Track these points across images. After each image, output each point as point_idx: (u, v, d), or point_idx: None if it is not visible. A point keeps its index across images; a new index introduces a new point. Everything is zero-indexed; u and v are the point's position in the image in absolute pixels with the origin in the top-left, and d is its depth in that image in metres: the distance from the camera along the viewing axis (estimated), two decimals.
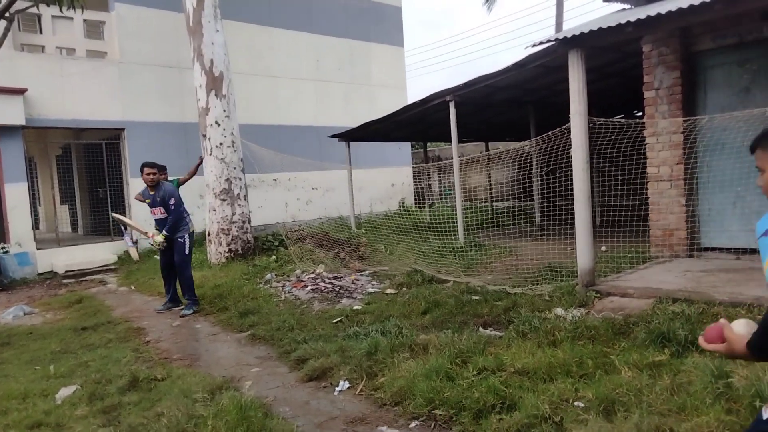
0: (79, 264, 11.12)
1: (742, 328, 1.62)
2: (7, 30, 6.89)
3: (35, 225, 12.13)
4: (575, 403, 3.31)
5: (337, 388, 4.05)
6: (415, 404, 3.53)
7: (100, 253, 11.70)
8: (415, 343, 4.55)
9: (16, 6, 6.65)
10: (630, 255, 7.49)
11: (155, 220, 7.14)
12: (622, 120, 6.57)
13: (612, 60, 9.19)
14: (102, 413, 3.91)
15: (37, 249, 11.12)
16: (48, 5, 8.05)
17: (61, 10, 7.14)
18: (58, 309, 8.09)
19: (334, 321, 5.87)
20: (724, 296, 4.86)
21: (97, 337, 6.15)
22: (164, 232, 6.94)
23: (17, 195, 10.88)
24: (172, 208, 6.95)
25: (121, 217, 8.35)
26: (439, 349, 4.33)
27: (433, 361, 4.00)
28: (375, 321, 5.58)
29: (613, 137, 7.62)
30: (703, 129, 6.69)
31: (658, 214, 7.10)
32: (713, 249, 6.83)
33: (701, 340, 1.71)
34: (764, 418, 1.55)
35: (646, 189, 7.29)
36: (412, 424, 3.40)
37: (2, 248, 10.71)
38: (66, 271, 10.85)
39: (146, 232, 7.46)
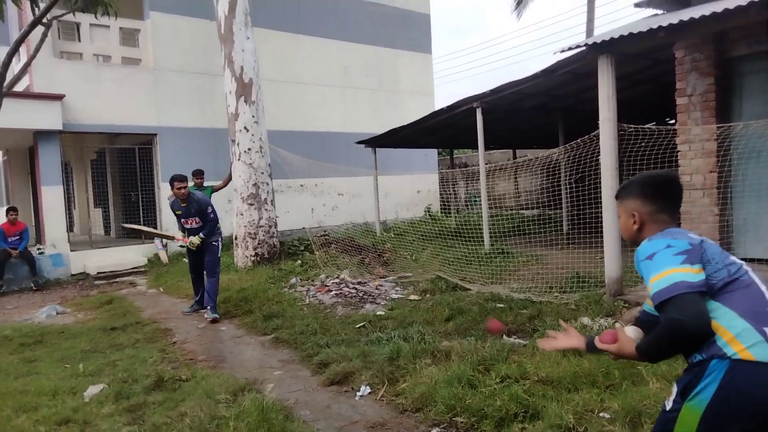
0: (111, 266, 11.37)
1: (632, 333, 1.96)
2: (44, 35, 7.10)
3: (69, 227, 12.47)
4: (600, 414, 3.24)
5: (358, 393, 4.05)
6: (437, 411, 3.50)
7: (130, 255, 11.95)
8: (438, 350, 4.52)
9: (53, 13, 6.84)
10: None
11: (187, 228, 7.19)
12: (653, 127, 6.44)
13: (643, 67, 9.03)
14: (127, 412, 3.97)
15: (71, 251, 11.41)
16: (83, 12, 8.27)
17: (96, 17, 7.33)
18: (89, 309, 8.27)
19: (357, 326, 5.86)
20: None
21: (126, 337, 6.27)
22: (201, 235, 7.03)
23: (53, 198, 11.19)
24: (211, 216, 7.04)
25: (133, 226, 8.41)
26: (462, 356, 4.29)
27: (456, 368, 3.96)
28: (398, 327, 5.56)
29: (643, 144, 7.49)
30: (737, 136, 6.52)
31: (691, 224, 6.91)
32: (748, 260, 6.61)
33: (597, 341, 1.98)
34: (667, 408, 1.77)
35: None
36: (433, 431, 3.37)
37: (38, 249, 11.02)
38: (98, 273, 11.11)
39: (172, 236, 7.55)
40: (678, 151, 7.04)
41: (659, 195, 1.96)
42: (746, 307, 1.68)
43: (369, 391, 4.06)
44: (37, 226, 12.32)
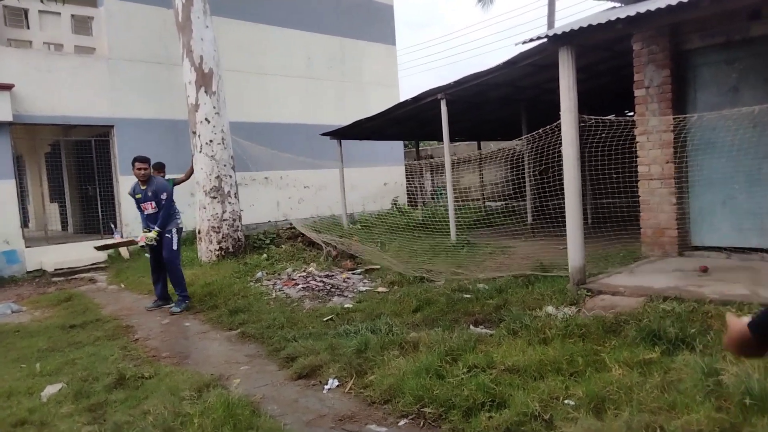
0: (69, 262, 11.01)
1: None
2: None
3: (25, 223, 12.01)
4: (565, 401, 3.29)
5: (326, 386, 4.02)
6: (405, 402, 3.50)
7: (89, 251, 11.50)
8: (406, 341, 4.52)
9: None
10: (621, 254, 7.52)
11: (145, 215, 7.06)
12: (613, 118, 6.57)
13: (603, 58, 9.20)
14: (88, 411, 3.86)
15: (26, 247, 11.00)
16: None
17: (42, 1, 6.99)
18: (47, 307, 8.00)
19: (325, 319, 5.83)
20: (715, 294, 4.87)
21: (86, 335, 6.09)
22: (156, 228, 6.88)
23: (5, 192, 10.75)
24: (164, 202, 6.92)
25: (104, 242, 8.26)
26: (430, 346, 4.30)
27: (423, 359, 3.98)
28: (366, 319, 5.55)
29: (604, 135, 7.63)
30: (693, 128, 6.71)
31: (649, 213, 7.11)
32: (704, 248, 6.86)
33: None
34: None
35: (637, 188, 7.31)
36: (401, 422, 3.38)
37: None
38: (55, 270, 10.74)
39: (133, 239, 7.45)
40: (637, 142, 7.22)
41: None
42: None
43: (337, 384, 4.03)
44: None
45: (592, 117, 6.19)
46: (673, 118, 6.71)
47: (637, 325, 4.31)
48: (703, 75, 6.81)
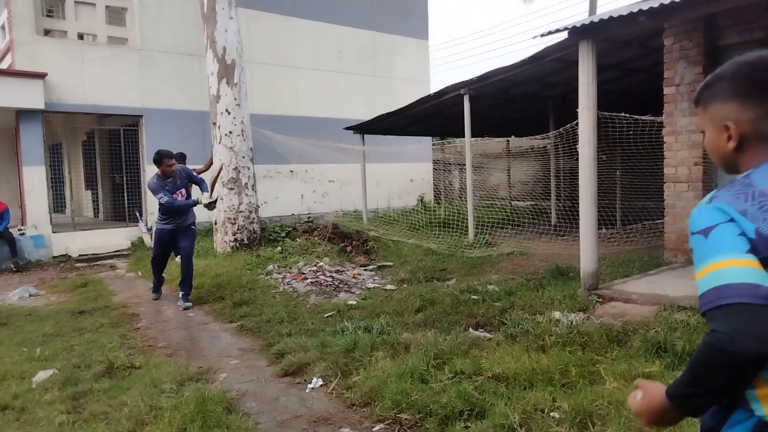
0: (93, 248, 11.22)
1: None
2: None
3: (57, 209, 12.32)
4: (551, 414, 3.08)
5: (309, 385, 3.90)
6: (383, 406, 3.35)
7: (114, 238, 11.80)
8: (398, 342, 4.36)
9: None
10: (645, 258, 7.16)
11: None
12: (630, 116, 6.22)
13: (636, 55, 8.79)
14: (71, 399, 3.83)
15: (53, 232, 11.26)
16: None
17: None
18: (63, 292, 8.15)
19: (326, 315, 5.72)
20: None
21: (91, 321, 6.13)
22: (206, 193, 6.82)
23: (35, 178, 11.02)
24: (200, 178, 7.03)
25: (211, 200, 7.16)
26: (421, 348, 4.13)
27: (410, 362, 3.81)
28: (366, 317, 5.41)
29: (632, 135, 7.27)
30: None
31: (674, 218, 6.74)
32: None
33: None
34: None
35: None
36: (376, 428, 3.22)
37: (19, 230, 10.88)
38: (79, 255, 10.97)
39: (197, 200, 6.92)
40: (664, 143, 6.85)
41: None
42: None
43: (321, 383, 3.91)
44: (19, 207, 12.17)
45: (607, 114, 5.86)
46: None
47: (644, 335, 4.05)
48: None
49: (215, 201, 6.93)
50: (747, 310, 1.02)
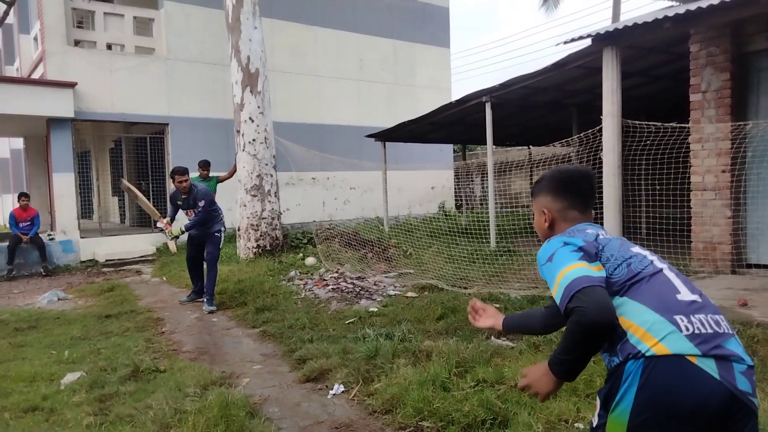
0: (120, 254, 11.44)
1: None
2: (5, 13, 7.01)
3: (85, 215, 12.60)
4: (575, 425, 3.05)
5: (331, 391, 3.91)
6: (405, 414, 3.35)
7: (140, 243, 12.01)
8: (419, 350, 4.36)
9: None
10: None
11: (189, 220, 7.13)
12: (658, 123, 6.14)
13: (662, 62, 8.69)
14: (98, 401, 3.91)
15: (81, 238, 11.51)
16: None
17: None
18: (91, 296, 8.31)
19: (347, 322, 5.74)
20: (764, 318, 4.44)
21: (117, 325, 6.25)
22: (183, 228, 6.97)
23: (65, 185, 11.29)
24: (200, 210, 6.90)
25: (131, 186, 8.01)
26: (443, 356, 4.12)
27: (432, 370, 3.80)
28: (387, 324, 5.41)
29: (656, 142, 7.17)
30: (753, 135, 6.20)
31: (701, 227, 6.62)
32: (761, 266, 6.32)
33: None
34: (594, 425, 1.63)
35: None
36: None
37: (48, 235, 11.14)
38: (106, 260, 11.19)
39: (159, 217, 7.41)
40: (690, 150, 6.75)
41: (568, 191, 1.85)
42: (655, 298, 1.55)
43: (343, 389, 3.92)
44: (49, 212, 12.47)
45: (635, 122, 5.80)
46: (732, 125, 6.22)
47: None
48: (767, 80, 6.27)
49: (175, 237, 7.10)
50: (588, 291, 1.50)
